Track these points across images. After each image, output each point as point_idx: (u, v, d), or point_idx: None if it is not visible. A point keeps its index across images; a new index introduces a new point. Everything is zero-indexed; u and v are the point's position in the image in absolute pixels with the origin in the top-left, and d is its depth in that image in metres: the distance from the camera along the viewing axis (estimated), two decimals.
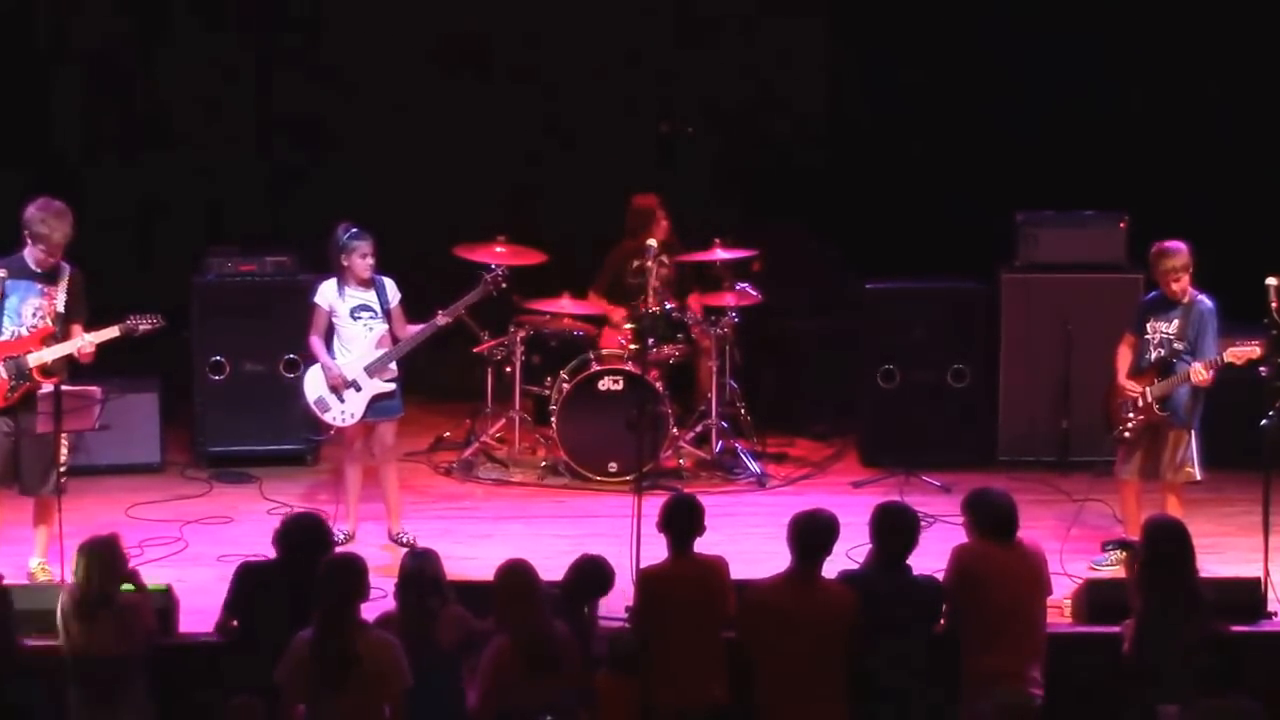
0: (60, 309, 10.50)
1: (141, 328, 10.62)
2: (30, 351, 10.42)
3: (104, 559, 8.93)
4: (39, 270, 10.45)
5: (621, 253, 13.25)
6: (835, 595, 9.02)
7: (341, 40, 14.33)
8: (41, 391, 10.34)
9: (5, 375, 10.36)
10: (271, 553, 9.25)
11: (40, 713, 8.92)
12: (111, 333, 10.54)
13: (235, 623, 9.20)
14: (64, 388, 10.27)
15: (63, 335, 10.51)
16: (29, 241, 10.41)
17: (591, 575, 9.27)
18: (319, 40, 14.36)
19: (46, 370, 10.46)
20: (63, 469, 10.47)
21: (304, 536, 9.12)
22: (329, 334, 11.43)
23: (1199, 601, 9.08)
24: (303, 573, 8.91)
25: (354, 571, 8.69)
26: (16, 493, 10.61)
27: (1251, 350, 10.58)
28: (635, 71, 14.22)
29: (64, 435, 10.33)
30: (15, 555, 10.68)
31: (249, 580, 9.19)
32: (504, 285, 11.84)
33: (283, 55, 14.33)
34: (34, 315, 10.49)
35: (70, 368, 10.58)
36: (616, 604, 9.71)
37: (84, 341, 10.48)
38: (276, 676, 8.55)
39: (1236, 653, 9.18)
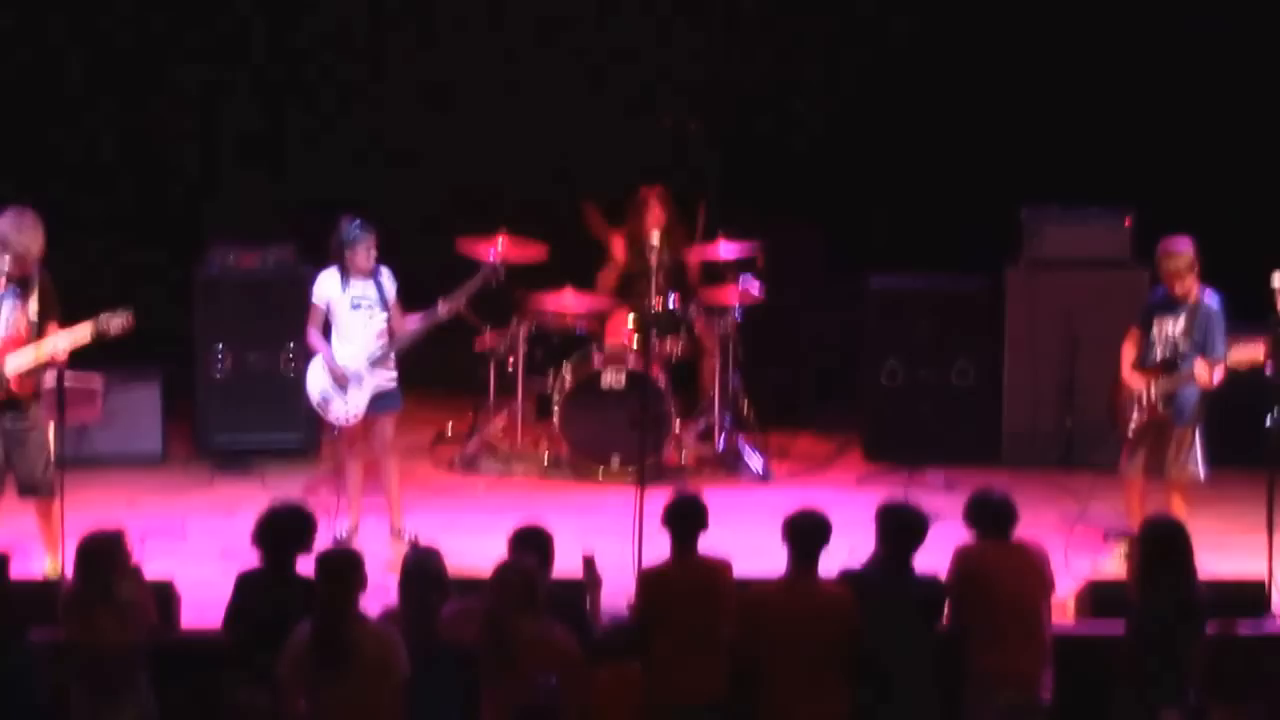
0: (33, 317, 10.43)
1: (113, 326, 10.49)
2: (7, 357, 10.37)
3: (107, 553, 8.90)
4: (9, 278, 10.40)
5: (621, 238, 13.18)
6: (834, 595, 8.99)
7: (343, 35, 14.30)
8: (45, 385, 10.34)
9: None
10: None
11: (43, 707, 8.89)
12: (83, 332, 10.44)
13: (231, 636, 9.11)
14: (66, 380, 10.25)
15: (38, 339, 10.44)
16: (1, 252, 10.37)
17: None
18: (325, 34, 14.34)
19: (24, 377, 10.42)
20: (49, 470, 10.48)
21: (281, 533, 9.06)
22: (326, 326, 11.41)
23: (1196, 601, 9.06)
24: (288, 569, 8.93)
25: (349, 564, 8.67)
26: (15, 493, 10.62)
27: (1255, 354, 10.55)
28: (638, 65, 14.18)
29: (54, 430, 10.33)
30: (18, 549, 10.66)
31: (243, 590, 9.11)
32: (501, 277, 11.81)
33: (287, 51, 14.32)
34: (4, 324, 10.43)
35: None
36: (617, 600, 9.69)
37: (56, 346, 10.39)
38: (277, 670, 8.54)
39: (1235, 654, 9.16)
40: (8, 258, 10.32)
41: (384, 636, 8.56)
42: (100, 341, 10.50)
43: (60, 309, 10.55)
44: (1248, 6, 13.68)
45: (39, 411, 10.47)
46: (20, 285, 10.43)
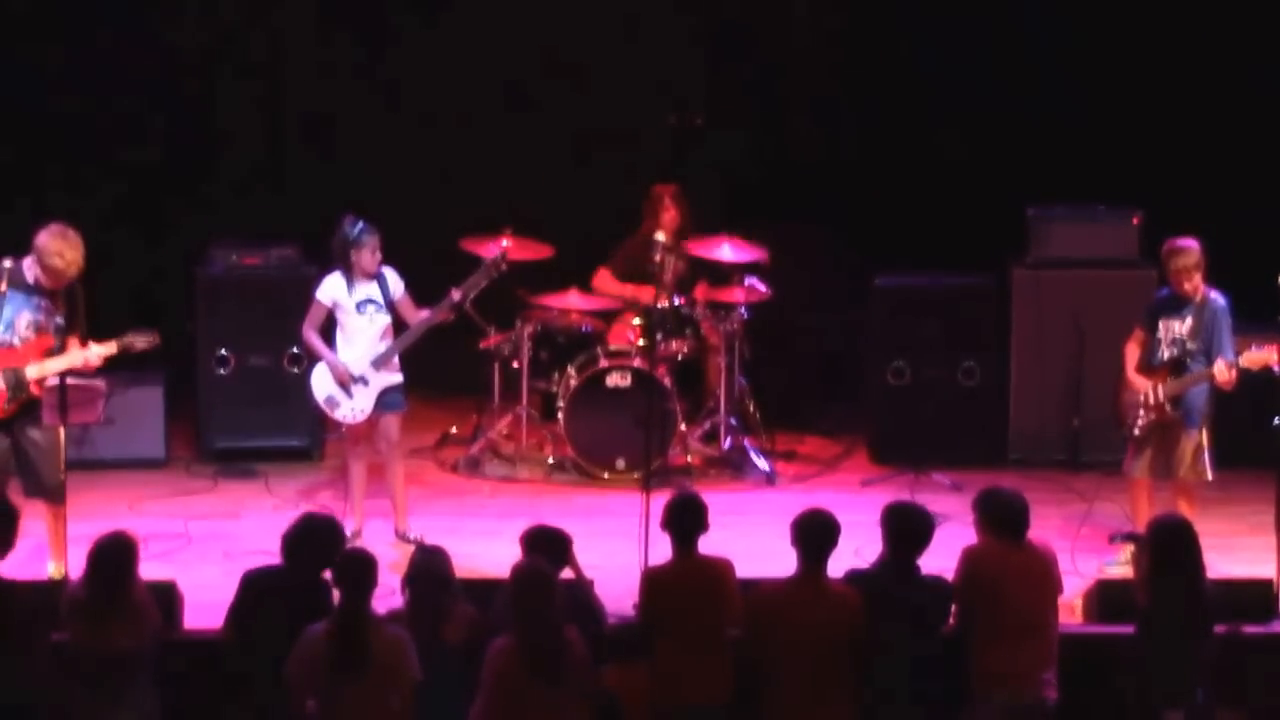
0: (61, 321, 10.41)
1: (138, 345, 10.50)
2: (30, 363, 10.33)
3: (113, 557, 8.87)
4: (36, 285, 10.36)
5: (639, 239, 13.13)
6: (842, 596, 8.95)
7: (348, 35, 14.28)
8: (46, 385, 10.29)
9: (3, 386, 10.28)
10: (278, 550, 9.15)
11: (45, 708, 8.86)
12: (110, 349, 10.43)
13: (233, 635, 9.08)
14: (69, 381, 10.21)
15: (61, 348, 10.41)
16: (37, 263, 10.31)
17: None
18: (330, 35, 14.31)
19: (44, 383, 10.37)
20: (61, 473, 10.43)
21: (312, 540, 9.01)
22: (329, 328, 11.36)
23: (1205, 601, 9.02)
24: (311, 578, 8.87)
25: (367, 566, 8.65)
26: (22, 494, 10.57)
27: (1268, 356, 10.49)
28: (644, 63, 14.15)
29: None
30: (19, 551, 10.60)
31: (252, 589, 9.07)
32: (504, 268, 11.74)
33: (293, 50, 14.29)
34: (27, 328, 10.37)
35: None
36: (624, 602, 9.65)
37: (83, 358, 10.35)
38: (287, 670, 8.51)
39: (1243, 655, 9.14)
40: (49, 278, 10.27)
41: (396, 639, 8.54)
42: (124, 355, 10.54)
43: (87, 326, 10.49)
44: (1253, 7, 13.65)
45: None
46: (49, 296, 10.38)
